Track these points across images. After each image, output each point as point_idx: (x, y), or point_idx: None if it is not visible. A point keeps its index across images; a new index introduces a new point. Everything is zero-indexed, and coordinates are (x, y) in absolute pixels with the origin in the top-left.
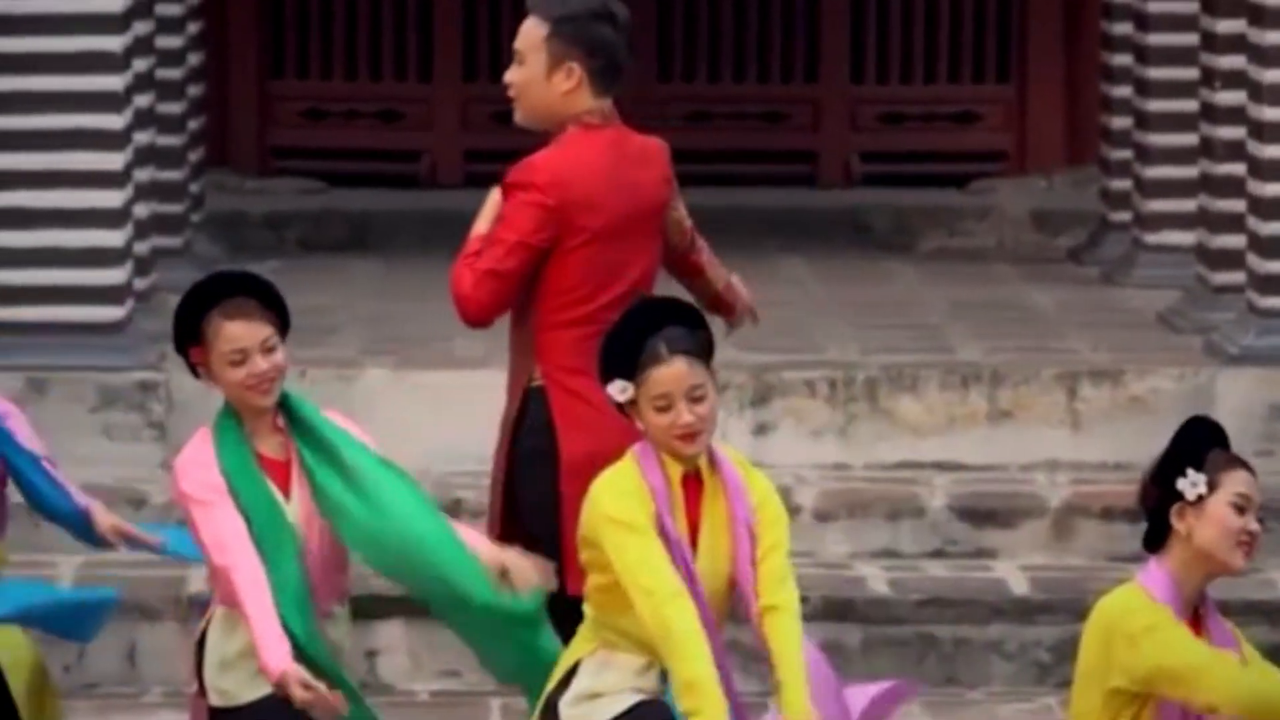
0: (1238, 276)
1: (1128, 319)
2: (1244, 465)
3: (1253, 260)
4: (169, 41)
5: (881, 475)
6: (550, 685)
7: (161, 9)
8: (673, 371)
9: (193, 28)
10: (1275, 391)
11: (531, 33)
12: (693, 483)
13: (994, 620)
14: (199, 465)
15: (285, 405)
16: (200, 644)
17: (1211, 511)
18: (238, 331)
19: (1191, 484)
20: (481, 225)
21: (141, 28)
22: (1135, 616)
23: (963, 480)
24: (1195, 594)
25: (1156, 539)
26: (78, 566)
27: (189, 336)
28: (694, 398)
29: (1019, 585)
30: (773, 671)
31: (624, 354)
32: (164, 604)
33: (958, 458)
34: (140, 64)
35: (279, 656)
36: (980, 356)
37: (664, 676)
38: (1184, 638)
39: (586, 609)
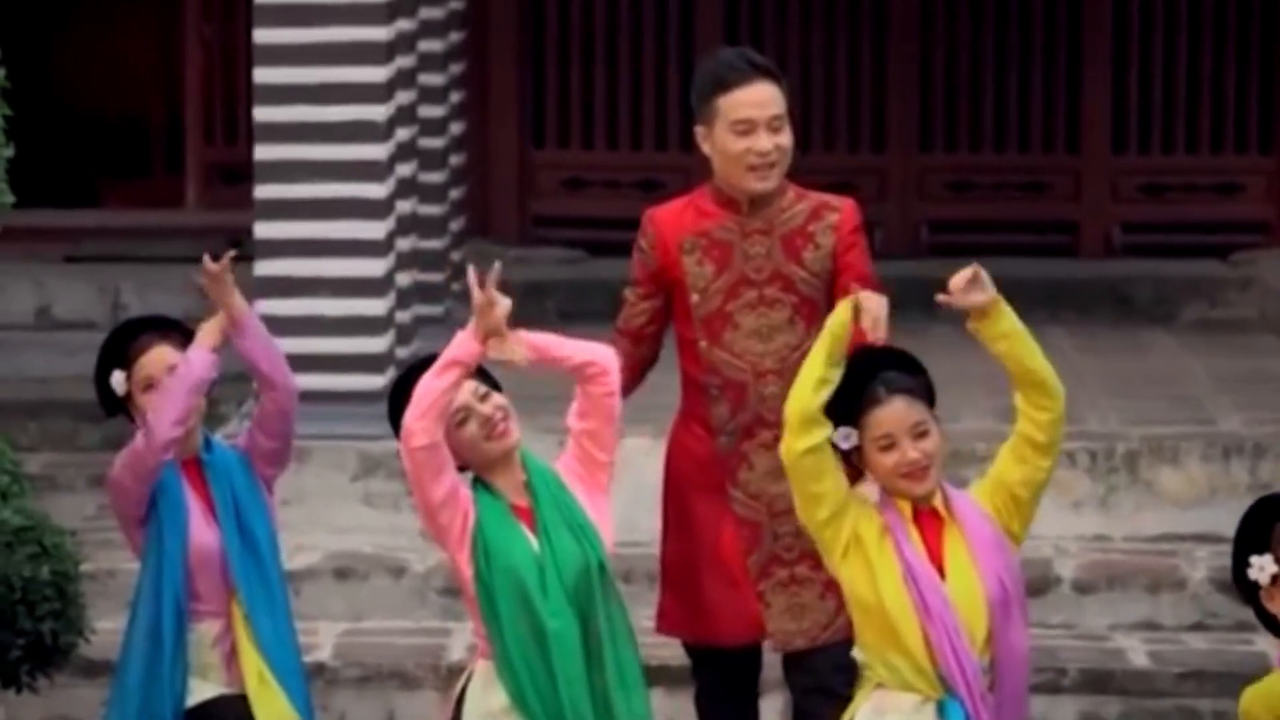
0: None
1: None
2: None
3: None
4: (431, 111)
5: (1142, 547)
6: None
7: (425, 79)
8: (893, 410)
9: (455, 97)
10: None
11: (782, 97)
12: (928, 518)
13: None
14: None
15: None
16: (459, 702)
17: None
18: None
19: (1261, 570)
20: None
21: (404, 97)
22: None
23: (1224, 553)
24: None
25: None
26: (338, 635)
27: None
28: (917, 435)
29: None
30: None
31: (845, 402)
32: (423, 671)
33: (1219, 530)
34: (403, 133)
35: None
36: (1242, 428)
37: (940, 709)
38: None
39: (856, 653)
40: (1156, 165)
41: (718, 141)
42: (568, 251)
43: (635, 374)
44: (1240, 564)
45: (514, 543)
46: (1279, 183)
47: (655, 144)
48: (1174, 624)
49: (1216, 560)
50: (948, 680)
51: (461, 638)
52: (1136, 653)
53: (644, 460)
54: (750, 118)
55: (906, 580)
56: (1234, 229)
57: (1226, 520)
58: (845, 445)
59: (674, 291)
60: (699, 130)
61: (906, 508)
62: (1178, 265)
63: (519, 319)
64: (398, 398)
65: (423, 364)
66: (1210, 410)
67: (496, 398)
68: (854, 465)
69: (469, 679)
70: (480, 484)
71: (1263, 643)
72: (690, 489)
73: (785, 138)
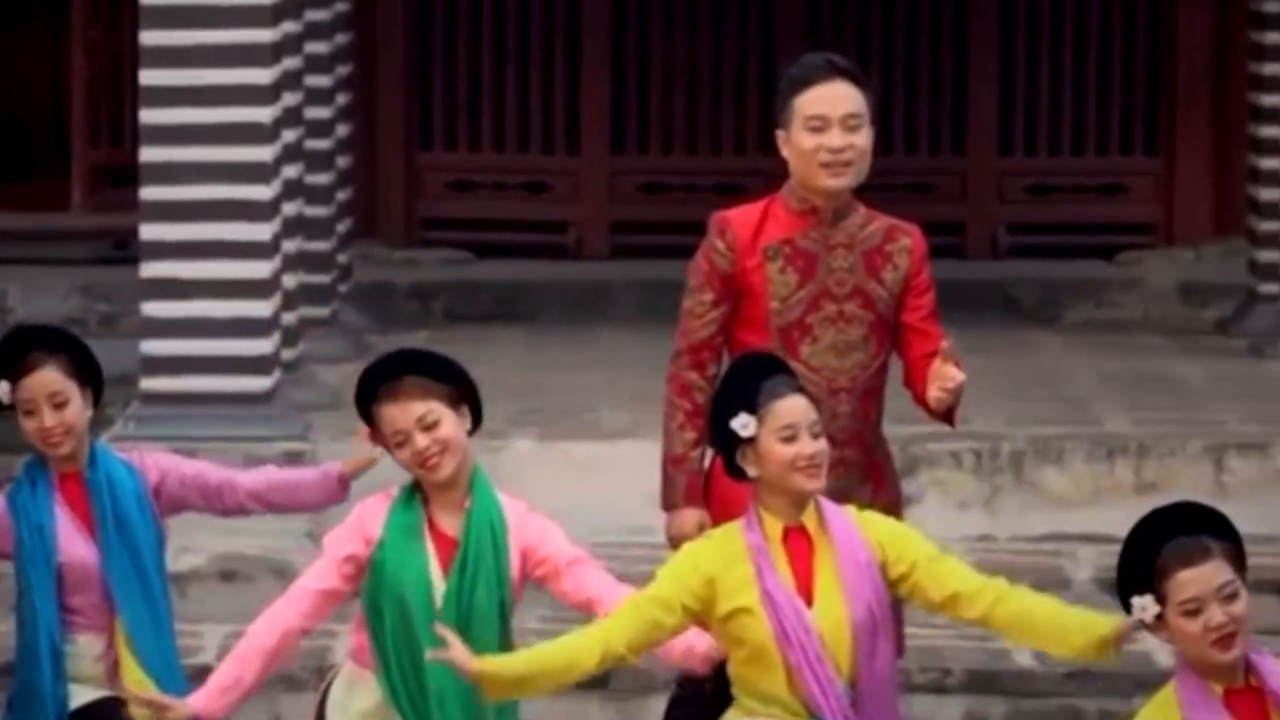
0: None
1: (1275, 390)
2: (1190, 559)
3: None
4: (318, 112)
5: (1027, 547)
6: None
7: (311, 80)
8: (798, 403)
9: (341, 99)
10: None
11: (861, 99)
12: (799, 540)
13: (1139, 693)
14: (361, 522)
15: (474, 492)
16: (323, 700)
17: (1173, 625)
18: (392, 414)
19: (1142, 610)
20: None
21: (291, 99)
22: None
23: (1108, 553)
24: (1233, 673)
25: None
26: (223, 637)
27: (368, 420)
28: (815, 433)
29: (1164, 658)
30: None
31: (745, 391)
32: (308, 673)
33: (1104, 530)
34: (289, 135)
35: (201, 696)
36: (1127, 428)
37: None
38: None
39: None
40: (1043, 167)
41: (794, 141)
42: (454, 253)
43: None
44: (1124, 598)
45: (409, 567)
46: (1165, 184)
47: (542, 146)
48: None
49: (1101, 560)
50: (811, 706)
51: (347, 640)
52: (1022, 653)
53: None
54: (823, 114)
55: (766, 609)
56: (1120, 230)
57: (1111, 520)
58: (745, 434)
59: (741, 299)
60: (779, 134)
61: (776, 529)
62: (1064, 266)
63: (406, 321)
64: (362, 416)
65: (365, 375)
66: (1095, 411)
67: (441, 430)
68: (740, 472)
69: (333, 679)
70: (411, 493)
71: (1148, 642)
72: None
73: (861, 138)
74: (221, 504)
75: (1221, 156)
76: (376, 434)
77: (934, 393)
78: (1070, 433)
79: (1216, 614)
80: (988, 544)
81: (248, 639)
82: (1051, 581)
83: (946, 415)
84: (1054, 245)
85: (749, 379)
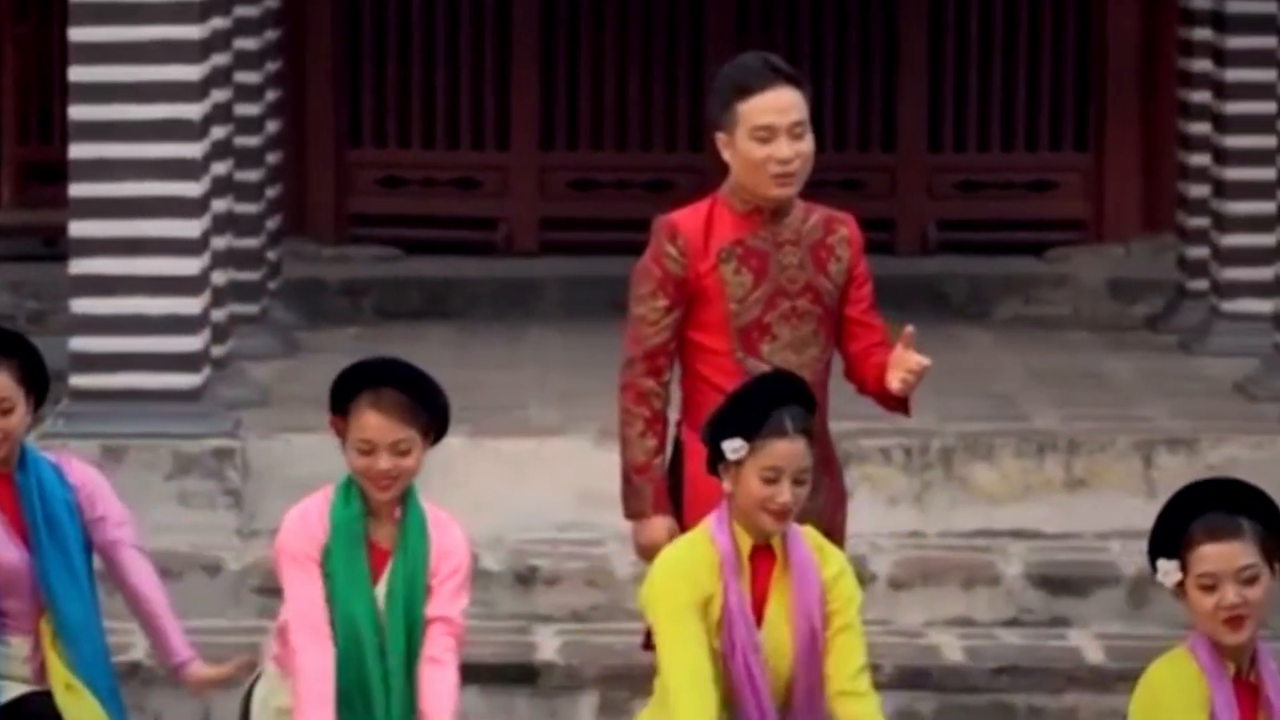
0: None
1: (1204, 387)
2: (1217, 534)
3: None
4: (247, 109)
5: (957, 543)
6: None
7: (241, 77)
8: (793, 448)
9: (271, 96)
10: None
11: (804, 103)
12: (764, 558)
13: (1069, 689)
14: (306, 523)
15: (405, 503)
16: (247, 699)
17: (1189, 596)
18: (373, 423)
19: (1165, 574)
20: None
21: (220, 95)
22: (1174, 695)
23: (1038, 548)
24: (1241, 655)
25: None
26: None
27: (338, 406)
28: (798, 479)
29: (1094, 654)
30: None
31: (751, 415)
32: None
33: (1033, 526)
34: (219, 131)
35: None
36: (1056, 425)
37: None
38: None
39: (656, 681)
40: (972, 163)
41: (739, 149)
42: (384, 250)
43: (664, 420)
44: (1152, 557)
45: (358, 585)
46: (1094, 180)
47: (472, 143)
48: (989, 620)
49: (1031, 556)
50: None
51: (269, 643)
52: (952, 648)
53: (585, 460)
54: (770, 124)
55: (724, 622)
56: (1049, 226)
57: (1041, 516)
58: (733, 457)
59: (694, 302)
60: (719, 137)
61: (746, 544)
62: (993, 263)
63: (336, 318)
64: (333, 395)
65: (363, 365)
66: (1025, 407)
67: (408, 460)
68: (716, 472)
69: (257, 678)
70: (349, 490)
71: (1076, 637)
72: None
73: (806, 144)
74: (101, 550)
75: (1151, 153)
76: (339, 423)
77: (898, 378)
78: (1000, 429)
79: (1230, 594)
80: (917, 540)
81: (317, 680)
82: (982, 577)
83: (903, 404)
84: (984, 242)
85: (761, 402)
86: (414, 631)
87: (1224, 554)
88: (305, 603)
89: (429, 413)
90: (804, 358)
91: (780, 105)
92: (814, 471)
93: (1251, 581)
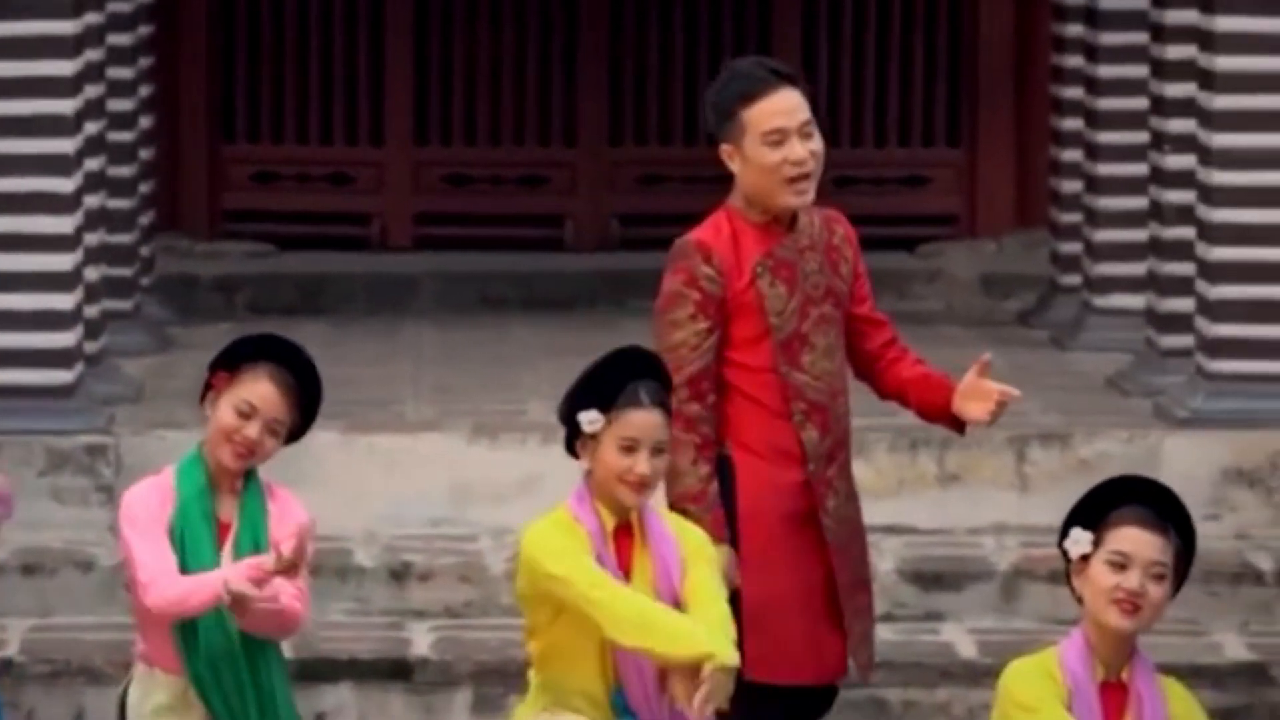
0: (1186, 340)
1: (1077, 382)
2: (1144, 523)
3: (1201, 324)
4: (120, 104)
5: None
6: None
7: (113, 72)
8: (650, 418)
9: (144, 91)
10: (1223, 455)
11: (805, 103)
12: (624, 536)
13: (942, 683)
14: (154, 495)
15: (247, 480)
16: (122, 704)
17: (1091, 571)
18: (265, 392)
19: (1074, 542)
20: None
21: (93, 91)
22: (1025, 687)
23: (912, 544)
24: (1116, 656)
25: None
26: (26, 630)
27: (231, 364)
28: (656, 450)
29: (967, 649)
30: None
31: (604, 390)
32: (112, 667)
33: (907, 521)
34: (91, 127)
35: (213, 579)
36: None
37: None
38: None
39: (531, 674)
40: (844, 158)
41: (749, 157)
42: (258, 245)
43: (714, 445)
44: (1067, 525)
45: (205, 564)
46: (967, 175)
47: (345, 138)
48: None
49: (905, 551)
50: (629, 703)
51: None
52: None
53: (459, 456)
54: (782, 126)
55: None
56: (921, 222)
57: (914, 511)
58: (590, 430)
59: (732, 320)
60: (724, 149)
61: (610, 523)
62: (865, 258)
63: (209, 313)
64: (230, 352)
65: (276, 340)
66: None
67: (270, 442)
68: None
69: (130, 681)
70: (196, 461)
71: (949, 632)
72: (778, 522)
73: (816, 143)
74: None
75: (1023, 149)
76: (222, 379)
77: (984, 410)
78: (873, 424)
79: (1136, 579)
80: None
81: (181, 579)
82: None
83: (959, 423)
84: (861, 238)
85: (616, 375)
86: None
87: (1145, 541)
88: (164, 558)
89: (304, 415)
90: (835, 363)
91: (788, 107)
92: (845, 479)
93: (1158, 579)
